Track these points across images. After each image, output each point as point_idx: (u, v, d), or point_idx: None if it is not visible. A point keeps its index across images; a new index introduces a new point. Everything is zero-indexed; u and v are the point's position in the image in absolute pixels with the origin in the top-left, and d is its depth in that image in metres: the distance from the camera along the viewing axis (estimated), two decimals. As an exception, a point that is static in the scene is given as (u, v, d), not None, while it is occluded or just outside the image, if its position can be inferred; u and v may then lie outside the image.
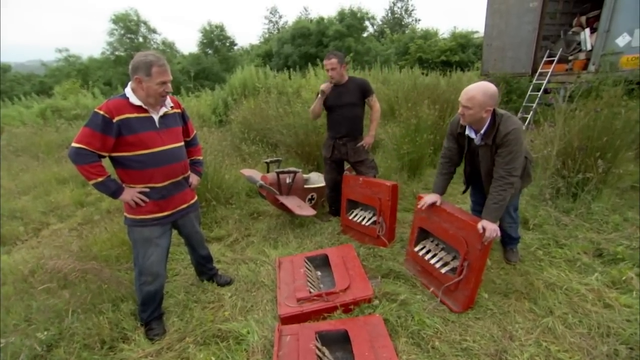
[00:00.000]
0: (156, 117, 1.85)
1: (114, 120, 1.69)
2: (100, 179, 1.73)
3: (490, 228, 1.85)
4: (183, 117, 2.08)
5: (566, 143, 3.05)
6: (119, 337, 1.97)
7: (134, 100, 1.75)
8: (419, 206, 2.32)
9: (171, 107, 1.95)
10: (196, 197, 2.20)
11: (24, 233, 3.53)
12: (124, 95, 1.77)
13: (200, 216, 2.35)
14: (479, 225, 1.88)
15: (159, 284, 2.00)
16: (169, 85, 1.81)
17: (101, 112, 1.66)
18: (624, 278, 2.13)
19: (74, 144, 1.68)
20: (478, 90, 1.89)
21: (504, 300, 2.10)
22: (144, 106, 1.78)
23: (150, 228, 1.92)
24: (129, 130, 1.74)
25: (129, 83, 1.80)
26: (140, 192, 1.84)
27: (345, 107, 2.98)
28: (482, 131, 2.00)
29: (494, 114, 1.96)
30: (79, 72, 23.10)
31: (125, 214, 1.93)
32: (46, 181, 5.11)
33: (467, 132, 2.10)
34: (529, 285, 2.20)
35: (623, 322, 1.84)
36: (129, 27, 22.77)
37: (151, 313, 2.02)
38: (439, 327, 1.90)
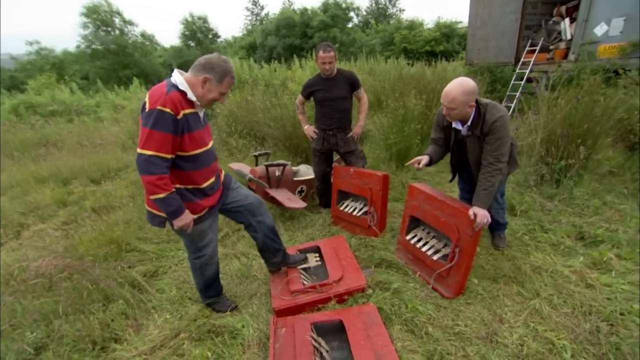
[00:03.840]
0: (201, 114, 1.72)
1: (179, 118, 1.53)
2: (162, 195, 1.55)
3: (481, 214, 1.89)
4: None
5: (549, 131, 3.13)
6: (110, 338, 1.93)
7: (191, 96, 1.59)
8: (415, 164, 2.24)
9: None
10: (223, 172, 2.07)
11: (3, 235, 3.39)
12: (176, 87, 1.56)
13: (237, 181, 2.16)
14: (470, 212, 1.92)
15: (217, 264, 2.07)
16: (225, 96, 1.74)
17: (168, 110, 1.48)
18: (604, 259, 2.22)
19: (144, 152, 1.49)
20: (457, 91, 1.91)
21: (493, 285, 2.16)
22: (196, 102, 1.64)
23: (203, 222, 1.84)
24: (188, 127, 1.59)
25: (181, 74, 1.61)
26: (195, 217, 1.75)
27: (336, 100, 2.97)
28: (468, 123, 2.03)
29: (478, 104, 1.99)
30: (53, 65, 22.07)
31: None
32: (23, 180, 4.89)
33: (453, 124, 2.12)
34: (516, 269, 2.27)
35: (604, 300, 1.92)
36: (102, 19, 21.75)
37: (216, 291, 2.12)
38: (432, 314, 1.94)
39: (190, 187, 1.74)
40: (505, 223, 2.56)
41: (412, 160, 2.29)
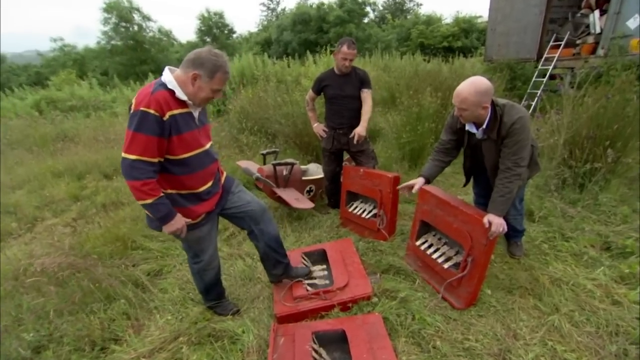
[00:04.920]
0: (196, 114, 1.60)
1: (165, 119, 1.43)
2: (149, 201, 1.47)
3: (496, 222, 1.76)
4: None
5: (574, 131, 2.92)
6: (110, 338, 1.91)
7: (181, 94, 1.48)
8: (406, 191, 2.24)
9: None
10: (225, 174, 1.95)
11: (17, 229, 3.46)
12: (165, 85, 1.46)
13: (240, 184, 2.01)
14: (485, 220, 1.79)
15: (217, 269, 2.00)
16: (220, 93, 1.61)
17: (152, 111, 1.39)
18: (633, 273, 2.05)
19: (128, 156, 1.41)
20: (469, 91, 1.77)
21: (507, 297, 2.02)
22: (187, 101, 1.52)
23: (200, 228, 1.77)
24: (176, 129, 1.48)
25: (171, 72, 1.51)
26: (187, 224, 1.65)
27: (347, 98, 2.87)
28: (484, 126, 1.89)
29: (494, 105, 1.84)
30: (74, 62, 22.76)
31: None
32: (41, 174, 5.01)
33: (467, 127, 1.99)
34: (533, 280, 2.12)
35: (632, 320, 1.76)
36: (122, 15, 22.21)
37: (217, 294, 2.06)
38: (440, 326, 1.83)
39: (183, 192, 1.65)
40: (523, 230, 2.41)
41: (402, 186, 2.20)
